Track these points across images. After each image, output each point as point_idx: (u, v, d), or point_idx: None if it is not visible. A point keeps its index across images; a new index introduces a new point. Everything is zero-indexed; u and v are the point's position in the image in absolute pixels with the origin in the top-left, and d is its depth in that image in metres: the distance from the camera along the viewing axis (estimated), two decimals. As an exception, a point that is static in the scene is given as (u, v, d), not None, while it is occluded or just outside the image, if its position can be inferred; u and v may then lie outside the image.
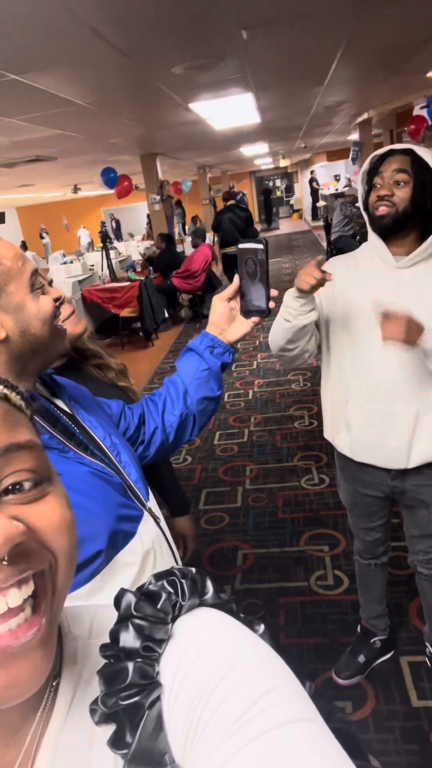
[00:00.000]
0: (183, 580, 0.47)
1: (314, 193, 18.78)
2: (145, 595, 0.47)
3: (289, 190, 25.78)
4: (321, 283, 1.40)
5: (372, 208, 1.48)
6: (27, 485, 0.39)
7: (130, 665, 0.43)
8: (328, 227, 9.16)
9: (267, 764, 0.35)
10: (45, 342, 0.86)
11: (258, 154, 14.13)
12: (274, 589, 2.42)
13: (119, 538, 0.85)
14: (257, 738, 0.36)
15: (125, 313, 7.07)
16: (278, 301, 1.18)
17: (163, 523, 0.98)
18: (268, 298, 1.02)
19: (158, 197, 9.33)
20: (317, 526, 2.80)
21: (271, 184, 25.78)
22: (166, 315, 7.50)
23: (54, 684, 0.44)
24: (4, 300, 0.82)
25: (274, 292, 1.02)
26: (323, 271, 1.39)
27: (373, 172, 1.49)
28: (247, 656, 0.42)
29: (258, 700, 0.38)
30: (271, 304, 1.03)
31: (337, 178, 18.43)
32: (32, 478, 0.40)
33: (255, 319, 1.06)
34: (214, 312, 1.10)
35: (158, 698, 0.42)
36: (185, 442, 1.18)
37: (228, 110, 5.89)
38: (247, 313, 1.06)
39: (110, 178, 8.66)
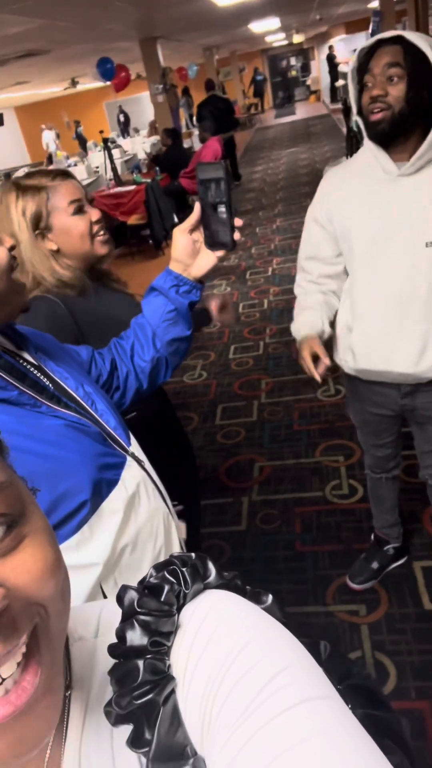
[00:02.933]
0: (183, 569, 0.47)
1: (333, 71, 17.24)
2: (147, 588, 0.46)
3: (305, 69, 23.67)
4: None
5: (366, 111, 1.34)
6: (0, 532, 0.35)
7: (140, 663, 0.42)
8: (347, 111, 8.46)
9: (281, 747, 0.34)
10: (2, 294, 0.82)
11: (269, 30, 12.89)
12: (290, 500, 2.50)
13: (103, 486, 0.84)
14: (271, 721, 0.36)
15: (133, 220, 6.82)
16: (248, 233, 1.10)
17: (147, 465, 0.96)
18: (233, 230, 0.94)
19: (161, 87, 8.66)
20: (333, 437, 2.83)
21: (285, 63, 23.70)
22: (176, 220, 7.20)
23: (67, 694, 0.44)
24: None
25: (238, 222, 0.94)
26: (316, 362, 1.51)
27: (362, 69, 1.33)
28: (256, 637, 0.41)
29: (269, 681, 0.38)
30: (237, 236, 0.95)
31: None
32: (4, 523, 0.36)
33: (220, 252, 0.98)
34: (175, 246, 1.02)
35: (172, 692, 0.41)
36: (160, 384, 1.14)
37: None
38: (211, 245, 0.98)
39: (107, 69, 7.99)
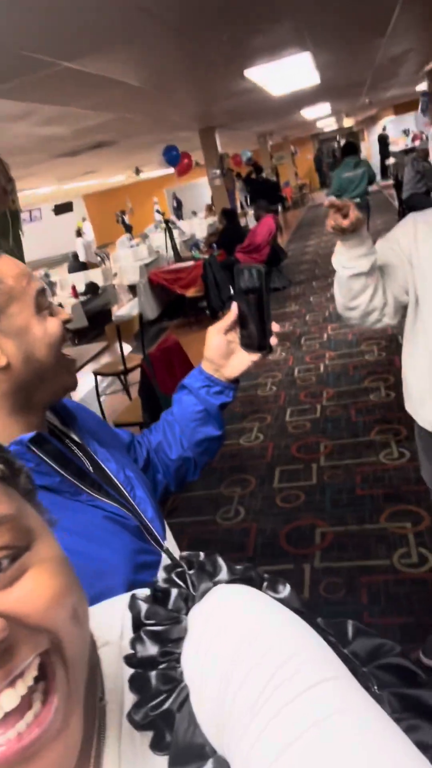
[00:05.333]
0: (191, 571, 0.46)
1: (383, 150, 17.90)
2: (156, 595, 0.46)
3: (356, 150, 24.68)
4: (346, 214, 1.36)
5: None
6: (3, 564, 0.36)
7: (152, 674, 0.42)
8: (398, 185, 8.72)
9: (296, 732, 0.34)
10: (52, 369, 0.78)
11: (320, 115, 13.59)
12: (355, 568, 2.37)
13: (138, 585, 0.80)
14: (283, 708, 0.35)
15: (191, 293, 7.08)
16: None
17: (183, 562, 0.92)
18: (269, 334, 0.88)
19: (219, 171, 9.20)
20: (398, 503, 2.70)
21: (336, 146, 24.79)
22: (232, 292, 7.42)
23: (102, 704, 0.44)
24: (5, 323, 0.74)
25: (276, 327, 0.89)
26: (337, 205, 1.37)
27: None
28: (262, 627, 0.40)
29: (276, 672, 0.37)
30: (273, 341, 0.89)
31: (406, 132, 17.45)
32: (8, 555, 0.36)
33: (255, 356, 0.92)
34: (209, 346, 0.97)
35: (186, 698, 0.41)
36: (188, 482, 1.08)
37: (285, 73, 5.66)
38: (247, 347, 0.93)
39: (173, 156, 8.61)
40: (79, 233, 14.57)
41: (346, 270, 1.45)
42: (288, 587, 0.46)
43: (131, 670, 0.44)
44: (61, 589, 0.37)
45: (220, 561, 0.47)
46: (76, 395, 4.66)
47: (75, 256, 10.57)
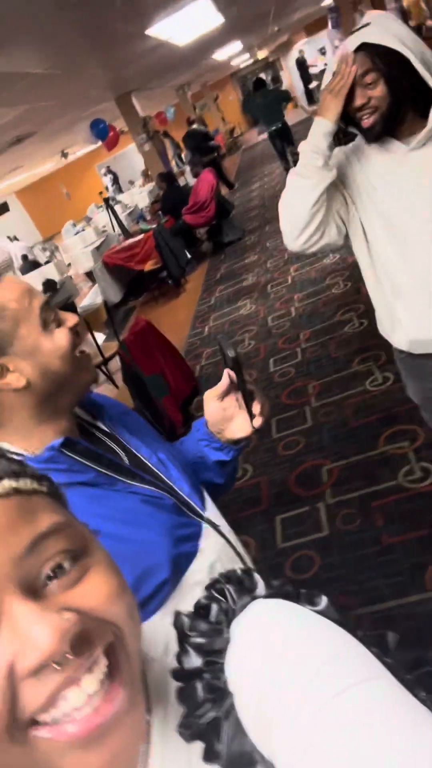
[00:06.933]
0: (228, 585, 0.49)
1: (305, 76, 17.43)
2: (197, 611, 0.49)
3: (276, 80, 24.03)
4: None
5: (356, 120, 1.37)
6: (66, 565, 0.40)
7: (199, 684, 0.45)
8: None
9: (340, 730, 0.36)
10: (69, 376, 0.82)
11: (232, 54, 13.20)
12: (365, 495, 2.48)
13: (182, 561, 0.84)
14: (326, 705, 0.37)
15: (149, 266, 7.02)
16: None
17: (224, 528, 0.95)
18: (251, 416, 0.90)
19: (145, 136, 8.98)
20: (393, 425, 2.80)
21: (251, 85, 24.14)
22: (189, 256, 7.38)
23: (148, 719, 0.46)
24: (18, 346, 0.78)
25: (256, 408, 0.90)
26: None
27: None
28: (302, 634, 0.43)
29: (319, 670, 0.39)
30: (257, 423, 0.90)
31: (322, 51, 16.99)
32: (69, 557, 0.40)
33: (257, 422, 0.93)
34: (206, 411, 0.97)
35: (232, 705, 0.43)
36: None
37: (188, 21, 5.50)
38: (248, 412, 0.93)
39: (101, 129, 8.37)
40: (15, 238, 14.03)
41: (316, 158, 1.40)
42: (324, 599, 0.48)
43: (177, 684, 0.47)
44: (118, 586, 0.42)
45: (257, 577, 0.50)
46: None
47: (24, 256, 10.35)
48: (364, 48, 1.30)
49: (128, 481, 0.84)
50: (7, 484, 0.40)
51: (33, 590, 0.38)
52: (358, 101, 1.33)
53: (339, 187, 1.51)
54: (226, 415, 0.95)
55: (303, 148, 1.43)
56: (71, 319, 0.84)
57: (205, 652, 0.46)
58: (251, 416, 0.91)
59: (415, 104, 1.35)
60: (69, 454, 0.79)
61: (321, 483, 2.68)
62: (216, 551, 0.89)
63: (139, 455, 0.90)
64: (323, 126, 1.38)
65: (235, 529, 1.02)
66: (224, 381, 0.92)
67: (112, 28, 4.16)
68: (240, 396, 0.92)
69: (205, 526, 0.89)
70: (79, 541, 0.41)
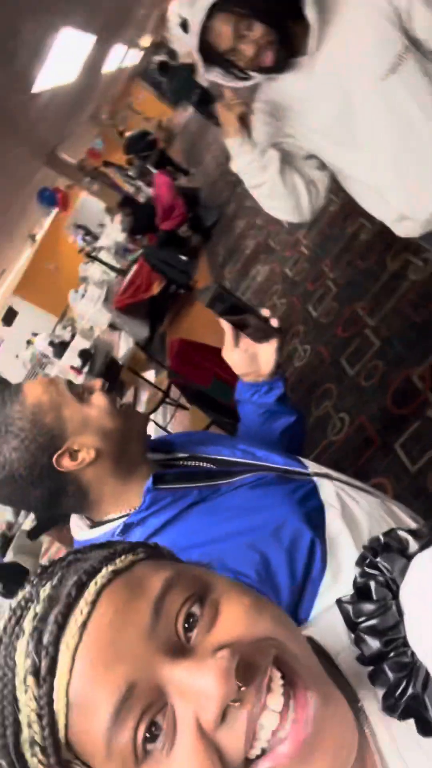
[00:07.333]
0: (378, 558, 0.46)
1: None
2: (357, 593, 0.47)
3: (173, 55, 23.59)
4: (244, 115, 1.33)
5: (260, 65, 1.29)
6: (196, 611, 0.40)
7: (386, 666, 0.43)
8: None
9: None
10: (124, 428, 0.88)
11: (119, 60, 13.05)
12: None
13: (314, 516, 0.85)
14: None
15: (156, 289, 7.05)
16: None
17: (335, 474, 0.96)
18: (266, 320, 0.95)
19: (88, 179, 9.04)
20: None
21: (158, 66, 23.83)
22: (185, 258, 7.35)
23: (359, 705, 0.46)
24: (71, 428, 0.84)
25: (265, 312, 0.95)
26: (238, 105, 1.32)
27: (208, 48, 1.30)
28: None
29: None
30: (274, 322, 0.95)
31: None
32: (195, 602, 0.40)
33: (273, 342, 0.98)
34: (232, 366, 1.03)
35: (427, 676, 0.42)
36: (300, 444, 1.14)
37: (63, 57, 5.46)
38: (260, 339, 0.99)
39: (47, 197, 8.51)
40: (35, 334, 14.23)
41: (252, 166, 1.41)
42: None
43: (367, 669, 0.46)
44: (253, 603, 0.41)
45: (401, 533, 0.48)
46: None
47: (51, 342, 10.67)
48: (216, 8, 1.22)
49: (227, 480, 0.88)
50: (105, 572, 0.40)
51: (180, 649, 0.38)
52: (249, 52, 1.25)
53: (282, 146, 1.45)
54: (250, 354, 1.00)
55: (237, 169, 1.43)
56: (96, 383, 0.92)
57: (380, 632, 0.44)
58: (267, 330, 0.94)
59: (292, 13, 1.25)
60: (164, 487, 0.85)
61: (419, 392, 2.56)
62: (338, 496, 0.91)
63: (223, 457, 0.94)
64: (235, 144, 1.38)
65: (363, 478, 1.02)
66: (226, 329, 0.97)
67: (2, 103, 4.20)
68: (247, 328, 0.95)
69: (317, 480, 0.92)
70: (196, 583, 0.41)
